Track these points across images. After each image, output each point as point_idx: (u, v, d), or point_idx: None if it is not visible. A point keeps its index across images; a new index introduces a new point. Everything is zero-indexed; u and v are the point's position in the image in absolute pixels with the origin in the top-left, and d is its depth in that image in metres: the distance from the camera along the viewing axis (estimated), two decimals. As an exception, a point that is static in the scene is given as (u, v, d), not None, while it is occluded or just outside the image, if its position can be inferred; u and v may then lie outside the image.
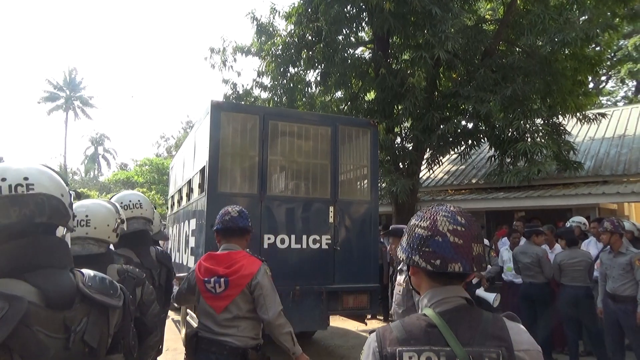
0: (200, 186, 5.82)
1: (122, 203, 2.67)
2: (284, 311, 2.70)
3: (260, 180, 5.49)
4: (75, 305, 1.22)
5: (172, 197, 9.06)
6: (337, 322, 7.27)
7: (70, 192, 1.37)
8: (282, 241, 5.43)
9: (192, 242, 6.15)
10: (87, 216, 2.04)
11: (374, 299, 5.82)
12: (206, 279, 2.63)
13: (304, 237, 5.53)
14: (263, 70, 10.94)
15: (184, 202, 7.28)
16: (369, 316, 6.94)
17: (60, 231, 1.31)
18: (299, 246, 5.48)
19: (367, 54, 11.58)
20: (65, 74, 45.73)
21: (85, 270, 1.32)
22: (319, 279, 5.48)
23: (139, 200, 2.64)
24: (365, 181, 6.35)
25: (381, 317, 8.55)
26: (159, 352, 2.60)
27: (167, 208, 10.45)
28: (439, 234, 1.22)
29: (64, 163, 43.10)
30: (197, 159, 6.27)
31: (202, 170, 5.69)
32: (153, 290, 2.16)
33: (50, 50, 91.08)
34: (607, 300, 5.31)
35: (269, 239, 5.38)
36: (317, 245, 5.58)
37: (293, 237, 5.49)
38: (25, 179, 1.23)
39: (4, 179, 1.21)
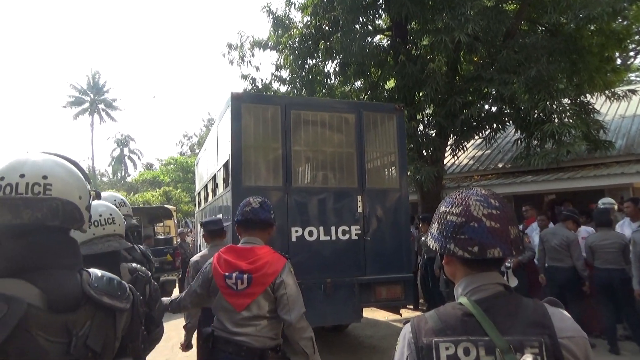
0: (225, 181, 5.75)
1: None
2: (307, 313, 2.54)
3: (285, 172, 5.39)
4: (80, 308, 1.16)
5: (199, 194, 9.11)
6: (367, 312, 7.25)
7: (91, 191, 1.33)
8: (311, 233, 5.34)
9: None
10: (111, 214, 2.12)
11: (408, 289, 5.68)
12: (227, 273, 2.44)
13: (333, 228, 5.43)
14: (281, 63, 10.92)
15: (210, 198, 7.28)
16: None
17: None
18: (328, 238, 5.39)
19: (385, 42, 11.43)
20: (88, 78, 46.76)
21: (93, 270, 1.26)
22: (351, 271, 5.39)
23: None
24: (393, 168, 6.17)
25: (411, 307, 8.47)
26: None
27: (194, 205, 10.55)
28: (474, 220, 1.17)
29: (91, 165, 44.16)
30: (220, 154, 6.24)
31: (226, 165, 5.62)
32: (157, 286, 2.23)
33: (73, 55, 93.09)
34: (644, 282, 5.15)
35: (296, 231, 5.30)
36: (347, 236, 5.48)
37: (322, 228, 5.39)
38: (44, 177, 1.17)
39: (22, 175, 1.15)
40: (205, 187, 7.85)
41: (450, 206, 1.23)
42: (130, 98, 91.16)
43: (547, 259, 6.18)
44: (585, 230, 6.45)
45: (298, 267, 5.15)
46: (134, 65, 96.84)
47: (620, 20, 8.84)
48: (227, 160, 5.43)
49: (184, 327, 3.97)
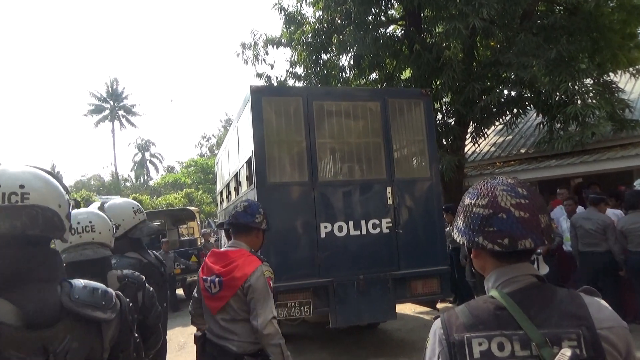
0: (248, 178, 5.62)
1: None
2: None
3: (310, 166, 5.21)
4: (58, 322, 1.12)
5: (220, 193, 9.09)
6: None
7: (70, 200, 1.29)
8: (340, 229, 5.17)
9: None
10: (90, 222, 2.04)
11: (445, 282, 5.47)
12: (204, 277, 2.55)
13: (363, 222, 5.25)
14: (295, 59, 10.90)
15: (232, 197, 7.18)
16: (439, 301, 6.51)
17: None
18: (358, 232, 5.21)
19: (399, 32, 11.29)
20: (107, 86, 47.53)
21: (75, 281, 1.21)
22: (384, 266, 5.20)
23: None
24: (423, 156, 5.92)
25: (450, 299, 7.88)
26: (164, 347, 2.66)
27: (216, 205, 10.59)
28: (502, 211, 1.12)
29: (115, 171, 45.04)
30: (242, 151, 6.08)
31: (249, 162, 5.47)
32: (153, 292, 2.19)
33: (91, 63, 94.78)
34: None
35: (325, 227, 5.13)
36: (378, 230, 5.29)
37: (351, 223, 5.21)
38: (21, 187, 1.14)
39: None
40: (227, 186, 7.78)
41: (475, 198, 1.18)
42: (148, 103, 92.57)
43: (581, 245, 6.02)
44: (613, 214, 6.26)
45: (329, 264, 5.15)
46: (150, 70, 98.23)
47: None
48: (250, 157, 5.28)
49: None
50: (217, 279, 2.46)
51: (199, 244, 12.42)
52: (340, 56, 10.88)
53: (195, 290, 2.79)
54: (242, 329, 2.43)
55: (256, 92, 5.19)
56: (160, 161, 50.96)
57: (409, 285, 5.30)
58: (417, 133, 5.90)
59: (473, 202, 1.18)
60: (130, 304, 1.36)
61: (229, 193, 7.60)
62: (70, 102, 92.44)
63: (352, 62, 10.76)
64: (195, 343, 2.69)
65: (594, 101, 8.24)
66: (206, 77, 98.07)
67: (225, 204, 8.27)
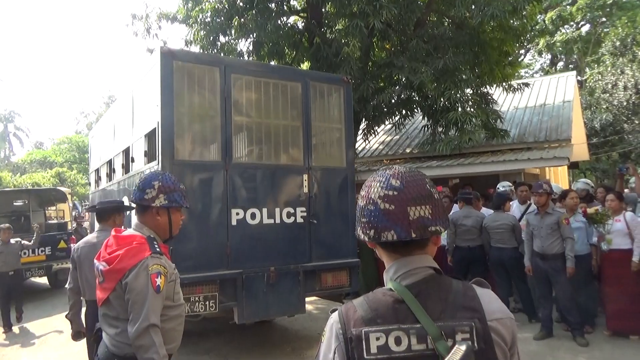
0: (149, 154, 4.98)
1: None
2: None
3: (224, 145, 4.77)
4: None
5: (97, 170, 7.98)
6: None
7: None
8: (253, 216, 4.83)
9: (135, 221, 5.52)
10: None
11: (354, 275, 5.39)
12: (96, 261, 2.20)
13: (277, 210, 4.95)
14: (191, 39, 10.31)
15: (118, 176, 6.34)
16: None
17: None
18: (271, 221, 4.91)
19: (300, 23, 11.28)
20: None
21: None
22: (295, 258, 4.98)
23: None
24: (340, 145, 5.73)
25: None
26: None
27: (90, 184, 9.16)
28: (371, 202, 1.12)
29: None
30: (139, 122, 5.37)
31: (151, 135, 4.86)
32: None
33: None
34: (535, 259, 5.64)
35: (237, 214, 4.74)
36: (292, 219, 5.05)
37: (265, 211, 4.89)
38: None
39: None
40: (110, 162, 6.85)
41: (361, 189, 1.19)
42: (16, 69, 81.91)
43: (458, 240, 6.53)
44: (485, 213, 6.91)
45: (238, 255, 4.75)
46: (18, 31, 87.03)
47: (518, 17, 9.49)
48: (155, 129, 4.64)
49: (66, 316, 3.79)
50: (101, 267, 2.13)
51: (69, 228, 11.28)
52: (240, 40, 10.55)
53: (74, 284, 2.43)
54: (123, 329, 2.06)
55: (167, 55, 4.54)
56: (27, 135, 45.54)
57: (319, 278, 5.13)
58: (335, 120, 5.72)
59: (360, 193, 1.19)
60: None
61: (112, 171, 6.72)
62: None
63: (251, 48, 10.50)
64: (86, 336, 2.39)
65: (472, 110, 9.01)
66: (90, 49, 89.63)
67: (104, 183, 7.29)
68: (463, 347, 0.97)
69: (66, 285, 3.77)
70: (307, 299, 5.27)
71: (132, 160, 5.55)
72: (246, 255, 4.75)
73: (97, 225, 3.91)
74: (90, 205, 3.96)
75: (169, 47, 4.73)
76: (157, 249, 2.12)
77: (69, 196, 12.14)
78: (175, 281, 2.20)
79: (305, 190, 5.17)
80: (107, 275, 2.09)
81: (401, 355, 1.02)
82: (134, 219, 2.28)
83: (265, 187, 4.98)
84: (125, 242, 2.13)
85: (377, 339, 1.03)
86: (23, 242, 7.16)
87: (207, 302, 4.44)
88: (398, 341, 1.02)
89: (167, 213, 2.23)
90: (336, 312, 1.13)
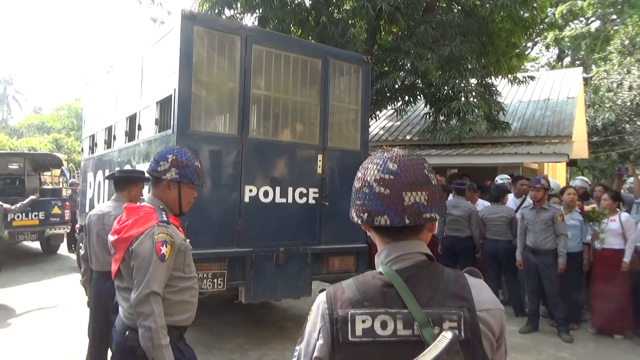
0: (159, 122, 4.76)
1: None
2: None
3: (241, 118, 4.56)
4: None
5: (93, 137, 7.63)
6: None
7: None
8: (266, 194, 4.67)
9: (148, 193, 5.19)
10: None
11: (361, 260, 5.29)
12: (110, 235, 2.22)
13: (290, 189, 4.79)
14: (195, 10, 10.16)
15: (120, 143, 6.03)
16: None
17: None
18: (284, 200, 4.76)
19: (307, 1, 11.09)
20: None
21: None
22: (305, 239, 4.85)
23: None
24: (356, 127, 5.53)
25: None
26: None
27: (83, 150, 8.64)
28: (366, 185, 1.10)
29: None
30: (150, 88, 5.10)
31: (165, 102, 4.64)
32: None
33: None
34: (527, 253, 5.65)
35: (250, 191, 4.57)
36: (304, 199, 4.90)
37: (278, 189, 4.73)
38: None
39: None
40: (110, 129, 6.53)
41: (358, 171, 1.17)
42: (15, 32, 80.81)
43: (447, 229, 6.53)
44: (482, 204, 6.90)
45: (249, 233, 4.62)
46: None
47: (529, 8, 9.34)
48: (170, 97, 4.41)
49: (80, 282, 3.81)
50: (111, 239, 2.15)
51: (64, 194, 11.24)
52: (245, 15, 10.38)
53: (85, 252, 2.41)
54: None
55: (188, 18, 4.27)
56: (26, 99, 45.23)
57: (326, 262, 5.04)
58: (352, 101, 5.51)
59: (357, 173, 1.16)
60: None
61: (113, 138, 6.40)
62: None
63: (256, 24, 10.34)
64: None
65: (475, 100, 8.93)
66: (94, 17, 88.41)
67: (101, 150, 6.98)
68: (449, 336, 0.95)
69: (81, 251, 3.75)
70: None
71: (139, 128, 5.31)
72: (257, 234, 4.62)
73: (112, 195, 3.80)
74: (111, 174, 3.67)
75: (191, 10, 4.37)
76: (165, 219, 2.12)
77: (64, 162, 12.09)
78: (186, 252, 2.18)
79: (319, 170, 5.03)
80: (117, 245, 2.11)
81: (386, 339, 1.00)
82: (147, 192, 2.33)
83: (280, 165, 4.83)
84: (134, 212, 2.16)
85: (363, 321, 1.01)
86: (5, 205, 6.88)
87: (216, 280, 4.33)
88: (384, 325, 1.01)
89: (177, 187, 2.23)
90: (324, 292, 1.12)
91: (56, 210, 9.63)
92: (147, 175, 2.30)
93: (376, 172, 1.09)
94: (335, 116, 5.45)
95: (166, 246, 2.04)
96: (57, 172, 12.72)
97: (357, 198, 1.11)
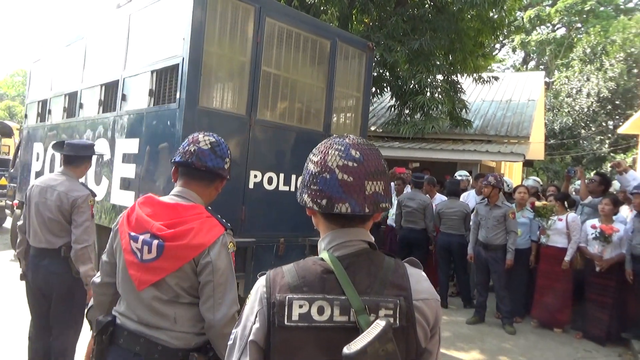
0: (156, 94, 4.27)
1: None
2: None
3: (250, 97, 4.21)
4: None
5: (45, 102, 6.73)
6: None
7: None
8: (270, 180, 4.37)
9: (125, 172, 4.52)
10: None
11: None
12: (134, 233, 1.72)
13: (293, 177, 4.53)
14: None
15: (89, 112, 5.38)
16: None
17: None
18: (287, 188, 4.49)
19: (280, -17, 10.93)
20: None
21: None
22: (303, 230, 4.57)
23: None
24: (357, 115, 5.35)
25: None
26: None
27: (27, 117, 7.54)
28: (327, 170, 1.08)
29: None
30: (141, 54, 4.58)
31: (164, 72, 4.15)
32: None
33: None
34: (478, 248, 5.84)
35: (255, 176, 4.25)
36: None
37: (282, 176, 4.46)
38: None
39: None
40: (74, 95, 5.78)
41: (313, 154, 1.14)
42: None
43: (403, 221, 6.65)
44: (439, 198, 7.06)
45: (252, 222, 4.31)
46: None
47: (497, 9, 9.54)
48: (177, 66, 3.94)
49: (15, 255, 3.58)
50: (155, 242, 1.68)
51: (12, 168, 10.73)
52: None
53: (105, 251, 1.86)
54: (185, 315, 1.70)
55: None
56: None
57: None
58: (355, 88, 5.28)
59: (310, 157, 1.14)
60: None
61: (79, 106, 5.61)
62: None
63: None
64: (96, 332, 1.75)
65: (440, 97, 9.08)
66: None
67: (59, 118, 6.17)
68: (382, 323, 0.96)
69: (18, 222, 3.47)
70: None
71: (124, 98, 4.78)
72: (260, 223, 4.34)
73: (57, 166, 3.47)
74: (55, 142, 3.22)
75: None
76: (226, 222, 1.81)
77: (16, 132, 11.51)
78: None
79: None
80: (173, 252, 1.68)
81: (322, 324, 1.01)
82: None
83: (285, 151, 4.58)
84: (193, 214, 1.75)
85: (300, 306, 1.01)
86: None
87: None
88: (321, 311, 1.01)
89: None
90: (264, 277, 1.11)
91: (3, 181, 9.19)
92: (206, 170, 1.81)
93: (339, 158, 1.07)
94: (338, 102, 5.23)
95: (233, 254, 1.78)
96: (8, 141, 12.14)
97: (313, 183, 1.09)
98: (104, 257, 1.85)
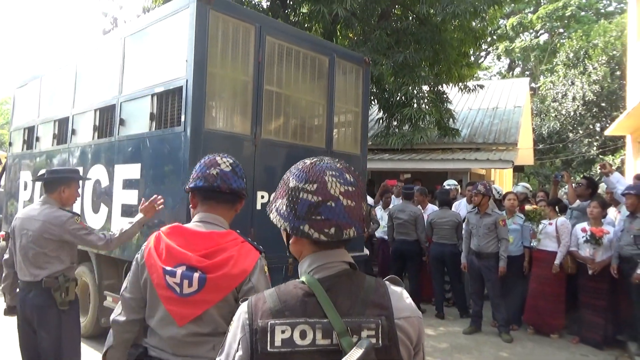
0: (158, 117, 4.22)
1: None
2: None
3: (254, 116, 4.21)
4: None
5: (31, 129, 6.56)
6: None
7: None
8: None
9: (126, 198, 4.45)
10: None
11: (366, 270, 4.94)
12: (169, 267, 1.64)
13: None
14: (150, 5, 9.91)
15: (83, 139, 5.30)
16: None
17: None
18: None
19: (265, 2, 11.04)
20: None
21: None
22: None
23: None
24: (356, 130, 5.37)
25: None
26: None
27: (12, 144, 7.40)
28: (331, 199, 1.07)
29: None
30: (139, 77, 4.53)
31: (165, 95, 4.14)
32: None
33: None
34: (471, 257, 5.85)
35: (262, 197, 4.19)
36: None
37: None
38: None
39: None
40: (64, 121, 5.66)
41: (303, 182, 1.10)
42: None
43: (396, 233, 6.66)
44: (431, 208, 7.08)
45: (263, 243, 3.98)
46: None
47: (479, 20, 9.69)
48: (180, 89, 3.91)
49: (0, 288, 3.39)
50: (196, 275, 1.62)
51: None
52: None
53: (126, 289, 1.76)
54: (217, 343, 1.59)
55: (205, 0, 3.86)
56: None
57: None
58: (354, 103, 5.33)
59: (300, 186, 1.10)
60: None
61: (71, 132, 5.51)
62: None
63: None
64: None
65: (427, 107, 9.17)
66: (45, 12, 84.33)
67: (48, 145, 6.02)
68: (364, 344, 0.97)
69: (5, 255, 3.37)
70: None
71: (122, 123, 4.69)
72: (269, 244, 4.27)
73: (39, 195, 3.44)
74: (40, 174, 3.15)
75: None
76: (261, 248, 1.82)
77: (4, 160, 11.40)
78: None
79: None
80: (217, 283, 1.62)
81: (305, 349, 1.00)
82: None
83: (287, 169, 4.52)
84: (229, 241, 1.72)
85: (283, 332, 1.00)
86: None
87: None
88: (303, 335, 1.00)
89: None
90: (246, 303, 1.10)
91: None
92: (231, 192, 1.80)
93: (339, 184, 1.08)
94: (338, 117, 5.23)
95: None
96: (-4, 169, 12.03)
97: (315, 213, 1.07)
98: (127, 294, 1.76)
